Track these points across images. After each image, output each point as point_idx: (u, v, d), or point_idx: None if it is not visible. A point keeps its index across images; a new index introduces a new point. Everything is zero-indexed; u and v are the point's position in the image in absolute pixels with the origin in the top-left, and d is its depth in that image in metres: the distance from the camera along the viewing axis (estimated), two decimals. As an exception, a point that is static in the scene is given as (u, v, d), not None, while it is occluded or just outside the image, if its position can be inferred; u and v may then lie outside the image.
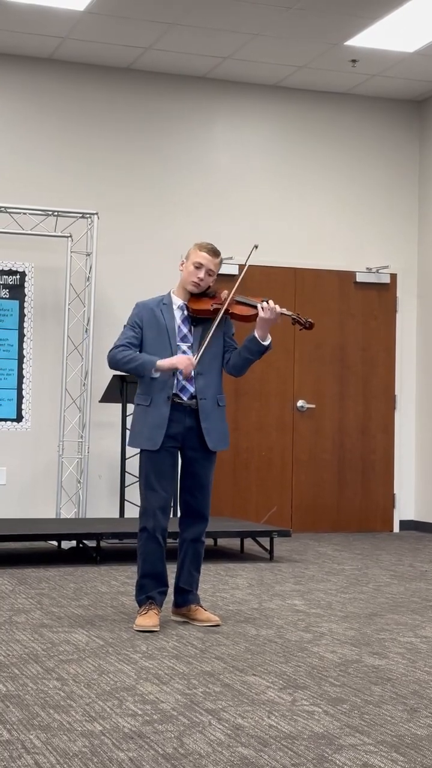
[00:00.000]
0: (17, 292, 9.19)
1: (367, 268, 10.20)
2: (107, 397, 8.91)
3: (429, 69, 9.50)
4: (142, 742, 3.49)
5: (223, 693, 4.13)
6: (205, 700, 4.03)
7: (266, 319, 5.30)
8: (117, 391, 8.76)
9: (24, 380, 9.18)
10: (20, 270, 9.21)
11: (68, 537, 7.68)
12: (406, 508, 10.29)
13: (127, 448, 7.56)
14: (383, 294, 10.27)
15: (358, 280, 10.16)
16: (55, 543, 8.20)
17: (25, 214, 8.95)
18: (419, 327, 10.34)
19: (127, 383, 8.58)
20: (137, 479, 5.87)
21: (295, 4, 8.09)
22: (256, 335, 5.33)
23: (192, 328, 5.42)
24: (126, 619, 5.52)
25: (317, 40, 8.82)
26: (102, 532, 7.48)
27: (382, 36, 8.71)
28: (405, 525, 10.24)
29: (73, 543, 7.97)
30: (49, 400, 9.19)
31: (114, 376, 8.56)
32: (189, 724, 3.70)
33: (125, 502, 8.67)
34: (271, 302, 5.30)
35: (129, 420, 7.83)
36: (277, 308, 5.30)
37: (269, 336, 5.35)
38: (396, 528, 10.22)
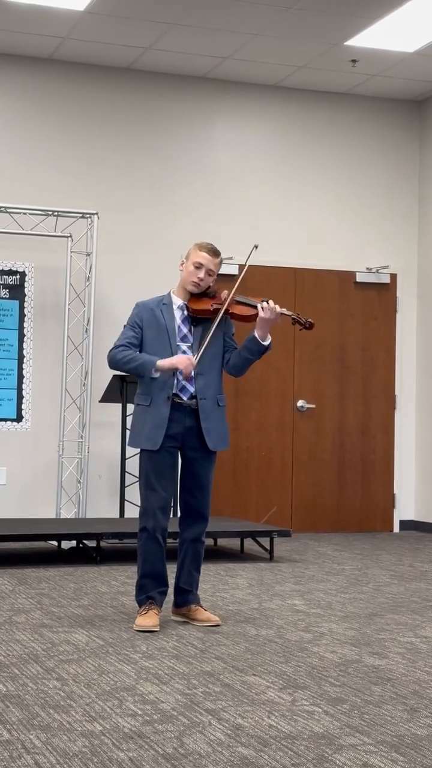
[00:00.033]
0: (17, 292, 9.20)
1: (367, 268, 10.20)
2: (107, 397, 8.91)
3: (429, 69, 9.50)
4: (142, 742, 3.49)
5: (223, 693, 4.13)
6: (205, 700, 4.03)
7: (266, 319, 5.30)
8: (117, 391, 8.76)
9: (24, 380, 9.18)
10: (20, 270, 9.21)
11: (68, 537, 7.68)
12: (406, 508, 10.29)
13: (127, 448, 7.56)
14: (383, 294, 10.27)
15: (358, 280, 10.16)
16: (55, 543, 8.20)
17: (25, 214, 8.95)
18: (419, 327, 10.34)
19: (127, 383, 8.58)
20: (137, 479, 5.87)
21: (295, 4, 8.09)
22: (256, 335, 5.33)
23: (192, 328, 5.42)
24: (126, 619, 5.52)
25: (317, 40, 8.82)
26: (102, 532, 7.48)
27: (382, 36, 8.71)
28: (405, 525, 10.24)
29: (73, 543, 7.97)
30: (49, 400, 9.19)
31: (114, 376, 8.56)
32: (189, 724, 3.70)
33: (125, 502, 8.67)
34: (271, 302, 5.30)
35: (129, 420, 7.83)
36: (277, 308, 5.30)
37: (269, 336, 5.35)
38: (396, 528, 10.22)
